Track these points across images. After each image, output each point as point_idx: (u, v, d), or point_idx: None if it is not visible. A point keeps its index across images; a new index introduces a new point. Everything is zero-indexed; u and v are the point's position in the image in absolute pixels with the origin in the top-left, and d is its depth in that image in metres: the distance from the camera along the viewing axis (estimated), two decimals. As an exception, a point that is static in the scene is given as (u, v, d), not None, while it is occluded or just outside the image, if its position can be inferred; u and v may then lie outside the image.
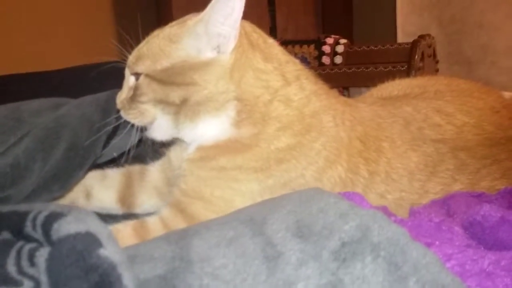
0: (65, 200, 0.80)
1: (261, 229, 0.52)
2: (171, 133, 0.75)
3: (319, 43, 2.29)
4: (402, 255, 0.47)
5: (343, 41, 2.29)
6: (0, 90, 1.28)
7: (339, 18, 2.94)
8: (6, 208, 0.63)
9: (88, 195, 0.84)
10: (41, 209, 0.54)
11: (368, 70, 2.01)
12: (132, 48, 0.76)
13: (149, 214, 0.77)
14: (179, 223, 0.69)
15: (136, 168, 0.87)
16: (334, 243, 0.48)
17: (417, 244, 0.48)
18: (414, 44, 1.96)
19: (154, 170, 0.86)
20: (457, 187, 0.77)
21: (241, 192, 0.69)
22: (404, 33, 2.71)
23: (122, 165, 0.85)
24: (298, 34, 2.87)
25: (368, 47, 2.22)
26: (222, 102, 0.71)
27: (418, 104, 0.85)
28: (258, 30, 0.79)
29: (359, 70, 2.03)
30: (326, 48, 2.27)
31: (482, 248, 0.60)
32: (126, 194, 0.85)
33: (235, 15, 0.69)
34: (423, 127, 0.80)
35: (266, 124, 0.72)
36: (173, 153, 0.81)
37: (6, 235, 0.58)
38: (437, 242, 0.58)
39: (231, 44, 0.71)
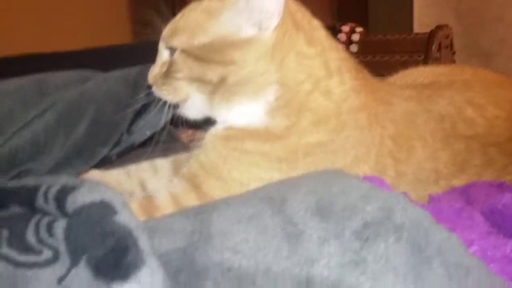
0: (124, 192, 0.79)
1: (280, 207, 0.52)
2: (204, 112, 0.73)
3: (335, 31, 2.26)
4: (426, 237, 0.46)
5: (359, 29, 2.26)
6: (17, 71, 1.28)
7: (354, 5, 2.91)
8: (13, 183, 0.63)
9: (143, 186, 0.82)
10: (51, 183, 0.55)
11: (384, 59, 1.99)
12: (167, 20, 0.73)
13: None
14: (191, 201, 0.67)
15: (183, 156, 0.85)
16: (356, 223, 0.47)
17: (440, 226, 0.48)
18: (432, 34, 1.94)
19: None
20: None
21: (259, 178, 0.67)
22: (421, 24, 2.67)
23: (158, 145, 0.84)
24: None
25: (385, 36, 2.19)
26: (262, 85, 0.68)
27: (452, 96, 0.82)
28: (303, 10, 0.75)
29: (375, 59, 2.01)
30: (342, 36, 2.24)
31: (502, 236, 0.60)
32: None
33: None
34: (456, 121, 0.78)
35: (302, 115, 0.69)
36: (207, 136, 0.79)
37: (15, 209, 0.58)
38: (458, 228, 0.57)
39: (274, 21, 0.67)
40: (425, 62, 1.88)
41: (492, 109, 0.81)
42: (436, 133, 0.77)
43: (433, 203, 0.67)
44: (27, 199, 0.56)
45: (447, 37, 2.05)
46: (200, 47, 0.68)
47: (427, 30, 2.02)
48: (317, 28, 0.74)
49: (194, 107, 0.72)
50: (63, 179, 0.55)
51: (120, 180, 0.81)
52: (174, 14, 0.75)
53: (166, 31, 0.72)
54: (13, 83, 0.72)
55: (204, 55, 0.68)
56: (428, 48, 1.90)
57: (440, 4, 2.68)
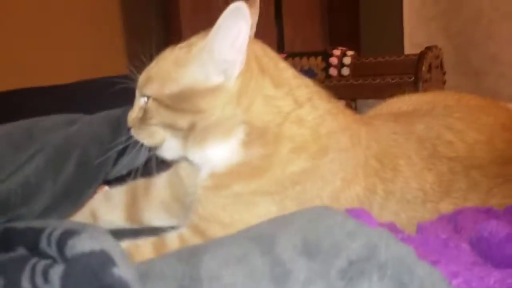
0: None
1: (269, 247, 0.53)
2: (180, 154, 0.76)
3: (326, 55, 2.30)
4: (409, 274, 0.47)
5: (350, 52, 2.30)
6: (14, 105, 1.31)
7: (346, 29, 2.96)
8: (22, 224, 0.65)
9: (95, 217, 0.84)
10: (56, 226, 0.56)
11: (376, 81, 2.02)
12: (143, 65, 0.76)
13: (161, 227, 0.78)
14: (197, 243, 0.68)
15: (140, 183, 0.87)
16: (342, 262, 0.49)
17: (423, 262, 0.49)
18: (421, 55, 1.97)
19: (160, 184, 0.86)
20: (468, 206, 0.77)
21: (259, 214, 0.69)
22: (412, 44, 2.72)
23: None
24: (306, 46, 2.89)
25: (375, 58, 2.23)
26: (229, 127, 0.71)
27: (430, 121, 0.85)
28: (270, 53, 0.78)
29: (366, 82, 2.04)
30: (333, 60, 2.28)
31: (489, 265, 0.61)
32: (133, 212, 0.85)
33: (240, 40, 0.68)
34: (436, 144, 0.80)
35: (279, 144, 0.71)
36: (183, 170, 0.81)
37: (21, 250, 0.60)
38: (443, 260, 0.58)
39: (237, 70, 0.70)
40: (416, 83, 1.91)
41: (472, 133, 0.83)
42: (420, 151, 0.78)
43: (420, 233, 0.68)
44: (33, 240, 0.57)
45: (437, 57, 2.08)
46: (170, 96, 0.71)
47: (418, 49, 2.05)
48: (284, 69, 0.77)
49: (169, 149, 0.75)
50: (67, 223, 0.56)
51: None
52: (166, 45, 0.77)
53: (141, 79, 0.75)
54: (1, 129, 0.74)
55: (173, 104, 0.71)
56: (418, 70, 1.93)
57: (429, 24, 2.73)
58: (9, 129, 0.73)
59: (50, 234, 0.55)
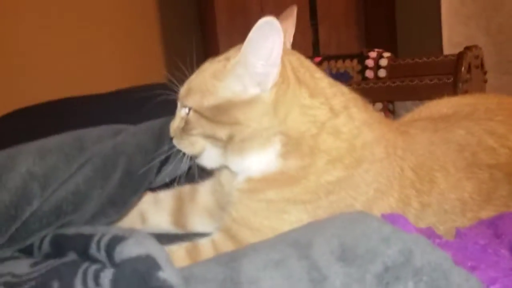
0: (123, 225, 0.84)
1: (306, 252, 0.55)
2: (220, 162, 0.78)
3: (362, 57, 2.29)
4: (445, 280, 0.48)
5: (386, 54, 2.28)
6: (58, 113, 1.37)
7: (382, 30, 2.93)
8: (72, 231, 0.69)
9: (143, 219, 0.88)
10: (104, 232, 0.60)
11: (413, 83, 1.99)
12: (182, 75, 0.78)
13: (205, 233, 0.80)
14: (229, 248, 0.71)
15: (186, 189, 0.90)
16: (377, 267, 0.50)
17: (459, 268, 0.49)
18: (460, 56, 1.93)
19: (204, 192, 0.89)
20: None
21: (290, 222, 0.70)
22: (451, 44, 2.66)
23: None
24: (341, 48, 2.88)
25: (413, 59, 2.20)
26: (266, 138, 0.72)
27: (471, 126, 0.83)
28: (306, 63, 0.79)
29: (403, 83, 2.01)
30: (369, 62, 2.27)
31: (530, 271, 0.60)
32: (179, 216, 0.88)
33: (274, 54, 0.68)
34: (477, 151, 0.79)
35: (315, 156, 0.71)
36: (223, 177, 0.83)
37: (72, 256, 0.64)
38: (482, 266, 0.58)
39: (271, 81, 0.71)
40: (455, 84, 1.87)
41: None
42: (458, 162, 0.78)
43: (458, 239, 0.68)
44: (83, 246, 0.61)
45: (477, 57, 2.04)
46: (209, 109, 0.73)
47: (458, 49, 2.01)
48: (319, 79, 0.77)
49: (210, 158, 0.77)
50: (114, 229, 0.60)
51: None
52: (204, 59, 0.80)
53: (182, 91, 0.78)
54: (54, 140, 0.78)
55: (213, 116, 0.73)
56: (457, 70, 1.89)
57: (469, 23, 2.67)
58: (61, 140, 0.77)
59: (99, 240, 0.58)
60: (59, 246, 0.67)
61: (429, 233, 0.69)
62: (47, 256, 0.68)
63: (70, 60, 2.35)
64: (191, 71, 0.79)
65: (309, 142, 0.72)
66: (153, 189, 0.88)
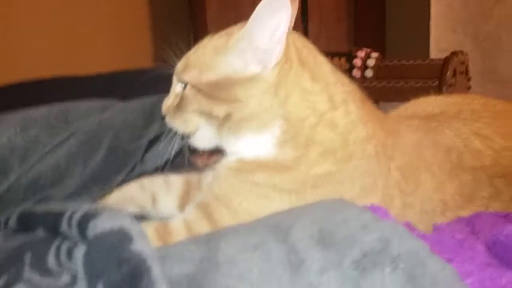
0: (136, 205, 0.83)
1: (285, 236, 0.55)
2: (213, 143, 0.76)
3: (351, 57, 2.30)
4: (421, 268, 0.48)
5: (374, 54, 2.30)
6: (45, 94, 1.34)
7: (371, 29, 2.94)
8: (41, 208, 0.67)
9: (154, 199, 0.86)
10: (75, 209, 0.58)
11: (399, 85, 2.02)
12: (181, 53, 0.76)
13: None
14: (203, 228, 0.70)
15: (195, 176, 0.88)
16: (355, 253, 0.50)
17: (436, 257, 0.50)
18: (447, 60, 1.96)
19: (209, 180, 0.85)
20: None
21: (269, 209, 0.68)
22: (438, 49, 2.69)
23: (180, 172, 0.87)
24: (331, 44, 2.88)
25: (400, 61, 2.22)
26: (266, 120, 0.71)
27: (459, 127, 0.84)
28: (309, 45, 0.77)
29: (389, 84, 2.03)
30: (357, 62, 2.28)
31: (504, 267, 0.61)
32: (185, 202, 0.86)
33: (280, 30, 0.67)
34: (463, 153, 0.80)
35: (309, 147, 0.71)
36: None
37: (40, 233, 0.63)
38: (457, 259, 0.59)
39: (274, 59, 0.69)
40: (440, 88, 1.90)
41: (499, 140, 0.83)
42: (444, 165, 0.78)
43: (436, 233, 0.69)
44: (53, 223, 0.59)
45: (462, 63, 2.07)
46: (207, 84, 0.71)
47: (444, 54, 2.04)
48: (322, 64, 0.76)
49: (203, 138, 0.75)
50: (86, 206, 0.59)
51: (133, 194, 0.85)
52: (196, 40, 0.78)
53: (179, 65, 0.76)
54: (40, 111, 0.76)
55: (211, 92, 0.71)
56: (442, 74, 1.92)
57: (457, 29, 2.70)
58: (46, 111, 0.75)
59: (70, 217, 0.57)
60: (27, 223, 0.65)
61: (408, 227, 0.70)
62: (15, 233, 0.66)
63: (57, 45, 2.31)
64: (189, 49, 0.76)
65: (306, 132, 0.71)
66: (148, 172, 0.86)
